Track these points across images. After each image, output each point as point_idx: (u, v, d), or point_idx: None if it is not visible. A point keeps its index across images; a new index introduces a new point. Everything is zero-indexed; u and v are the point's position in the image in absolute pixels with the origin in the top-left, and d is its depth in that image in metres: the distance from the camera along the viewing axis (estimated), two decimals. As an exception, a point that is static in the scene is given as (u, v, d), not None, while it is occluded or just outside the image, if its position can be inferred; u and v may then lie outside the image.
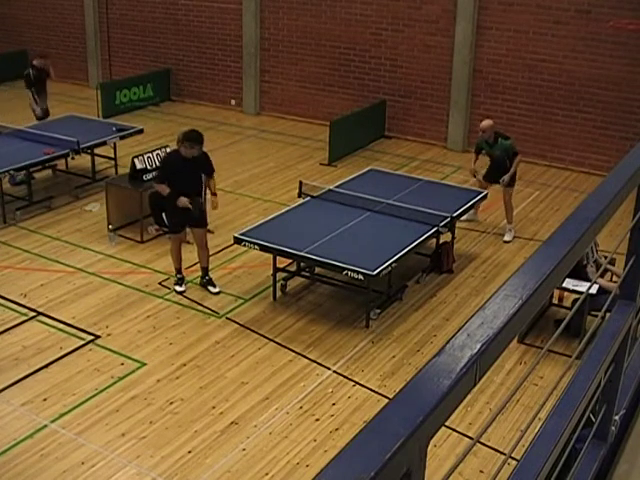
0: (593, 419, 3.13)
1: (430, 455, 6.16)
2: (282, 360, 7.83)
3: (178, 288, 9.08)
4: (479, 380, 1.52)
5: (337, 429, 6.83)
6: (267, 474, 6.27)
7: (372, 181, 10.62)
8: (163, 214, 9.46)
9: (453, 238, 9.76)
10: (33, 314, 8.53)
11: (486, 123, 10.43)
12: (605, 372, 2.86)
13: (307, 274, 9.30)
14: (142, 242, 10.30)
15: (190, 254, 9.38)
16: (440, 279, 9.60)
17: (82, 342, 8.03)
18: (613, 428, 3.08)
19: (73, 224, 10.89)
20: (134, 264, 9.75)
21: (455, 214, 9.38)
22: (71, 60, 18.69)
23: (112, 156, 12.41)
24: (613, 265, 8.35)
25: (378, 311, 8.67)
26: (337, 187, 10.23)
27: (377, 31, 14.81)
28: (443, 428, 5.95)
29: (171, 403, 7.12)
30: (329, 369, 7.72)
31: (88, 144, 11.75)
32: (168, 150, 10.15)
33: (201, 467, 6.33)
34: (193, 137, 8.48)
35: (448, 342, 1.53)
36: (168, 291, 9.09)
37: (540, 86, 13.57)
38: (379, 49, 14.91)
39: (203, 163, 8.76)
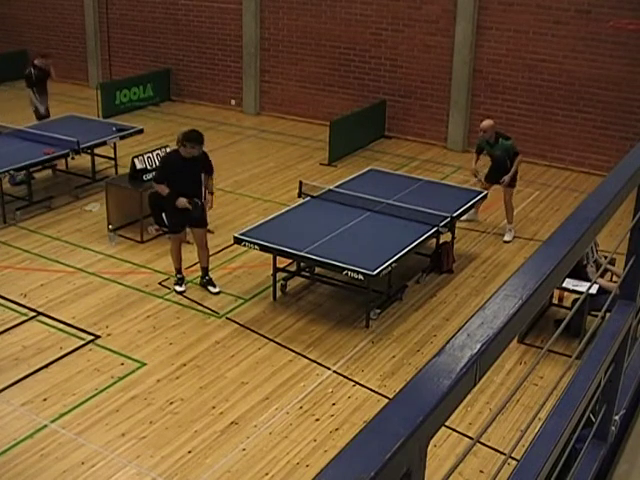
0: (593, 419, 3.13)
1: (430, 455, 6.16)
2: (282, 360, 7.83)
3: (178, 288, 9.08)
4: (479, 380, 1.52)
5: (337, 429, 6.83)
6: (267, 474, 6.27)
7: (372, 181, 10.62)
8: (163, 214, 9.46)
9: (453, 238, 9.76)
10: (33, 314, 8.53)
11: (487, 123, 10.43)
12: (605, 372, 2.86)
13: (307, 274, 9.30)
14: (142, 242, 10.30)
15: (190, 254, 9.38)
16: (440, 279, 9.60)
17: (82, 342, 8.03)
18: (613, 428, 3.08)
19: (73, 224, 10.89)
20: (134, 264, 9.75)
21: (455, 214, 9.39)
22: (71, 60, 18.69)
23: (112, 156, 12.41)
24: (613, 265, 8.35)
25: (378, 311, 8.67)
26: (337, 187, 10.23)
27: (377, 31, 14.81)
28: (443, 428, 5.95)
29: (171, 403, 7.12)
30: (329, 369, 7.72)
31: (88, 144, 11.75)
32: (168, 150, 10.14)
33: (201, 467, 6.33)
34: (193, 137, 8.48)
35: (448, 342, 1.53)
36: (168, 291, 9.10)
37: (540, 86, 13.57)
38: (379, 49, 14.91)
39: (203, 163, 8.76)
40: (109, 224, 10.47)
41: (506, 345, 1.66)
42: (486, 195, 10.41)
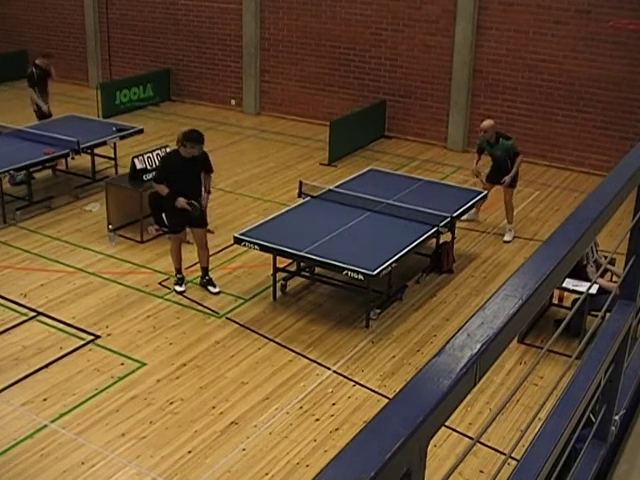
0: (593, 419, 3.13)
1: (430, 455, 6.16)
2: (282, 360, 7.83)
3: (178, 288, 9.08)
4: (479, 380, 1.52)
5: (337, 429, 6.83)
6: (267, 474, 6.27)
7: (372, 181, 10.62)
8: (163, 214, 9.46)
9: (453, 238, 9.75)
10: (33, 314, 8.53)
11: (487, 123, 10.42)
12: (605, 372, 2.86)
13: (307, 274, 9.30)
14: (142, 242, 10.30)
15: (190, 254, 9.38)
16: (440, 279, 9.60)
17: (82, 342, 8.03)
18: (613, 428, 3.08)
19: (73, 224, 10.89)
20: (134, 264, 9.75)
21: (455, 214, 9.39)
22: (71, 60, 18.69)
23: (112, 156, 12.41)
24: (613, 265, 8.35)
25: (378, 311, 8.67)
26: (337, 187, 10.23)
27: (377, 31, 14.81)
28: (443, 428, 5.95)
29: (171, 403, 7.12)
30: (329, 369, 7.72)
31: (88, 144, 11.75)
32: (168, 150, 10.14)
33: (201, 467, 6.33)
34: (194, 137, 8.47)
35: (448, 342, 1.53)
36: (168, 291, 9.10)
37: (540, 86, 13.57)
38: (379, 49, 14.91)
39: (203, 163, 8.76)
40: (109, 224, 10.47)
41: (506, 345, 1.66)
42: (486, 195, 10.41)
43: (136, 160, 10.55)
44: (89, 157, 12.11)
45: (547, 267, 1.88)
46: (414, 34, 14.45)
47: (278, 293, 9.00)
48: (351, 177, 10.82)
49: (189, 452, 6.49)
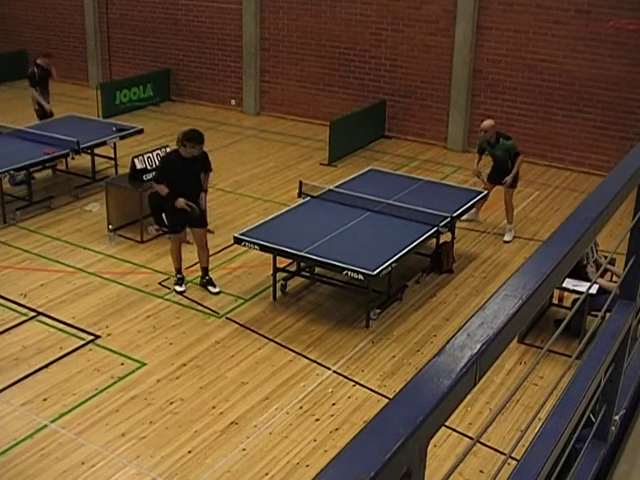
0: (593, 419, 3.13)
1: (430, 455, 6.16)
2: (282, 360, 7.83)
3: (178, 288, 9.08)
4: (479, 380, 1.52)
5: (337, 429, 6.83)
6: (267, 474, 6.27)
7: (372, 181, 10.62)
8: (163, 214, 9.46)
9: (453, 238, 9.75)
10: (33, 314, 8.53)
11: (487, 123, 10.42)
12: (605, 372, 2.86)
13: (307, 274, 9.30)
14: (142, 242, 10.30)
15: (190, 254, 9.38)
16: (440, 279, 9.60)
17: (82, 342, 8.03)
18: (613, 428, 3.08)
19: (73, 224, 10.89)
20: (134, 264, 9.75)
21: (455, 214, 9.38)
22: (71, 60, 18.69)
23: (112, 156, 12.41)
24: (613, 265, 8.35)
25: (378, 311, 8.67)
26: (337, 187, 10.23)
27: (377, 31, 14.81)
28: (443, 428, 5.95)
29: (171, 403, 7.12)
30: (329, 369, 7.72)
31: (88, 144, 11.75)
32: (168, 150, 10.14)
33: (201, 467, 6.33)
34: (194, 137, 8.47)
35: (448, 342, 1.53)
36: (168, 291, 9.10)
37: (540, 86, 13.57)
38: (379, 49, 14.91)
39: (203, 163, 8.76)
40: (109, 224, 10.47)
41: (506, 345, 1.66)
42: (487, 195, 10.41)
43: (136, 160, 10.55)
44: (89, 157, 12.11)
45: (547, 267, 1.88)
46: (414, 34, 14.46)
47: (278, 293, 9.00)
48: (351, 177, 10.82)
49: (189, 452, 6.49)
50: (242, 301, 8.93)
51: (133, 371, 7.59)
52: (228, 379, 7.50)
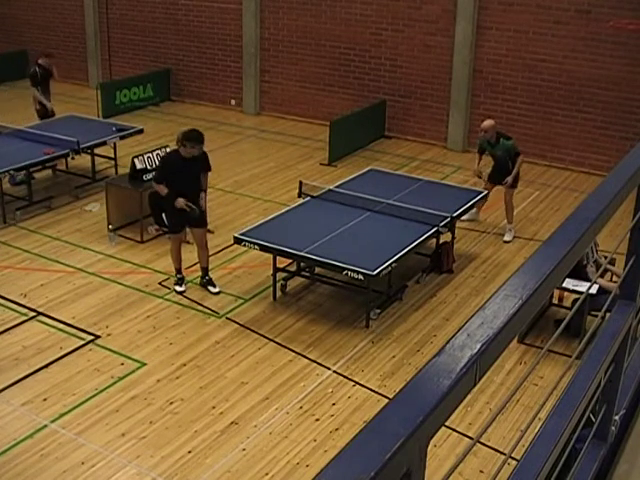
0: (593, 419, 3.13)
1: (430, 455, 6.16)
2: (282, 360, 7.83)
3: (178, 288, 9.08)
4: (479, 380, 1.52)
5: (337, 429, 6.83)
6: (267, 474, 6.27)
7: (372, 181, 10.62)
8: (163, 214, 9.46)
9: (453, 238, 9.76)
10: (33, 314, 8.53)
11: (487, 123, 10.42)
12: (605, 372, 2.86)
13: (307, 274, 9.30)
14: (142, 242, 10.30)
15: (190, 254, 9.38)
16: (440, 279, 9.60)
17: (82, 342, 8.03)
18: (613, 428, 3.08)
19: (73, 224, 10.89)
20: (134, 264, 9.75)
21: (455, 214, 9.38)
22: (71, 60, 18.68)
23: (112, 156, 12.41)
24: (613, 265, 8.35)
25: (378, 311, 8.67)
26: (337, 187, 10.23)
27: (377, 31, 14.81)
28: (443, 428, 5.95)
29: (171, 403, 7.12)
30: (329, 369, 7.72)
31: (88, 144, 11.75)
32: (168, 150, 10.14)
33: (201, 467, 6.33)
34: (194, 137, 8.47)
35: (448, 342, 1.53)
36: (168, 291, 9.10)
37: (540, 86, 13.57)
38: (379, 49, 14.91)
39: (203, 163, 8.76)
40: (109, 224, 10.47)
41: (506, 345, 1.66)
42: (487, 195, 10.41)
43: (136, 160, 10.55)
44: (89, 157, 12.11)
45: (547, 267, 1.88)
46: (414, 34, 14.45)
47: (278, 293, 9.00)
48: (351, 177, 10.82)
49: (189, 452, 6.49)
50: (242, 301, 8.93)
51: (133, 371, 7.59)
52: (228, 379, 7.50)
